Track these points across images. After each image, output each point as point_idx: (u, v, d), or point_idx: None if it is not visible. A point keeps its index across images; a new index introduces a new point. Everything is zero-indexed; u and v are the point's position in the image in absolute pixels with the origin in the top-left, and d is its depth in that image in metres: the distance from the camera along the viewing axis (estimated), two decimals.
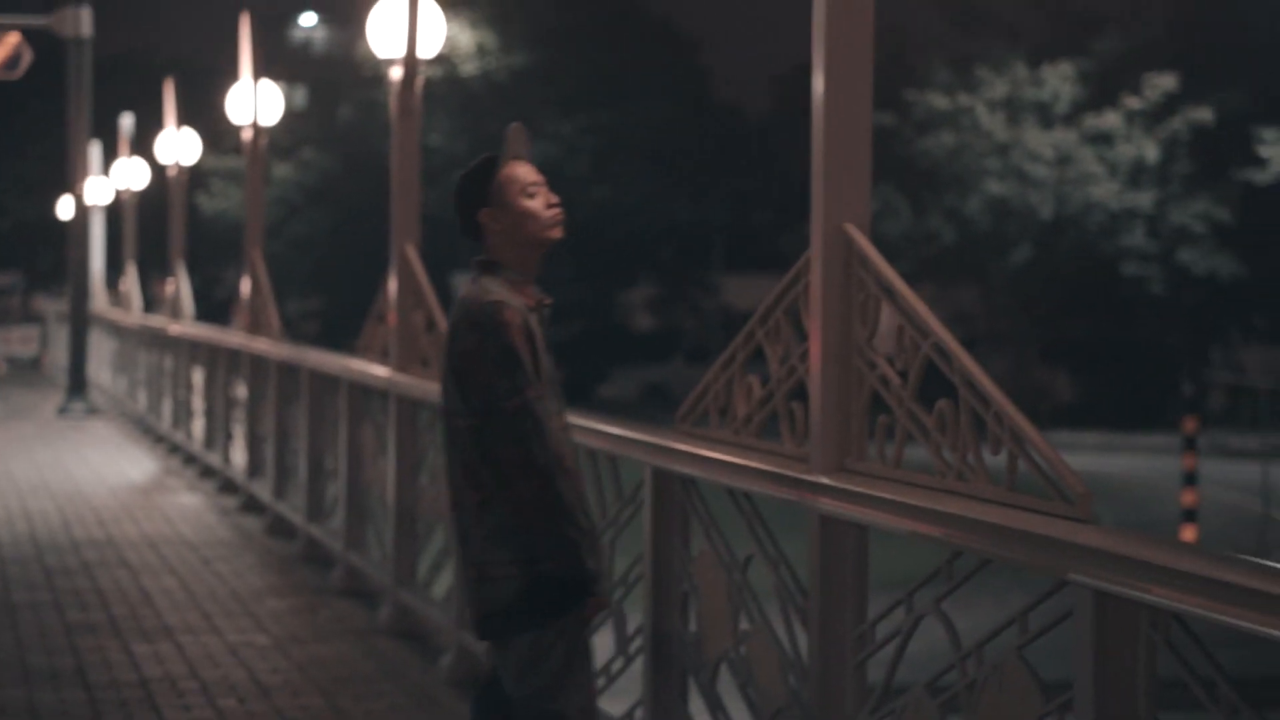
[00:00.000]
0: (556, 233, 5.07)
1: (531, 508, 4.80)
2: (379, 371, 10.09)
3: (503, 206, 5.01)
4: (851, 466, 5.09)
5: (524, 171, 5.06)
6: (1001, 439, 4.42)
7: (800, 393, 5.39)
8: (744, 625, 5.69)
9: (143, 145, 29.82)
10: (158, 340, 21.52)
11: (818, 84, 5.13)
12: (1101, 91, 47.84)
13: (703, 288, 60.28)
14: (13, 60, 26.77)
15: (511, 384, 4.82)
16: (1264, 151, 41.22)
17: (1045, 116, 47.79)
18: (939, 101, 48.04)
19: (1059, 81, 47.69)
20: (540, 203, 5.03)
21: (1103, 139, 47.17)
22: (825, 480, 5.08)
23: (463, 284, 5.11)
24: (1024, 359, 49.39)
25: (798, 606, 5.32)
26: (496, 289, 4.95)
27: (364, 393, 10.71)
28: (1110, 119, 46.97)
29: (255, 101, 15.85)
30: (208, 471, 17.10)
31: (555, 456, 4.82)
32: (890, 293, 4.97)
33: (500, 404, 4.81)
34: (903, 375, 4.92)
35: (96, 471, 17.89)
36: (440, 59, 50.13)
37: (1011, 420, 4.38)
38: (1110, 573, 3.81)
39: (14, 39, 26.90)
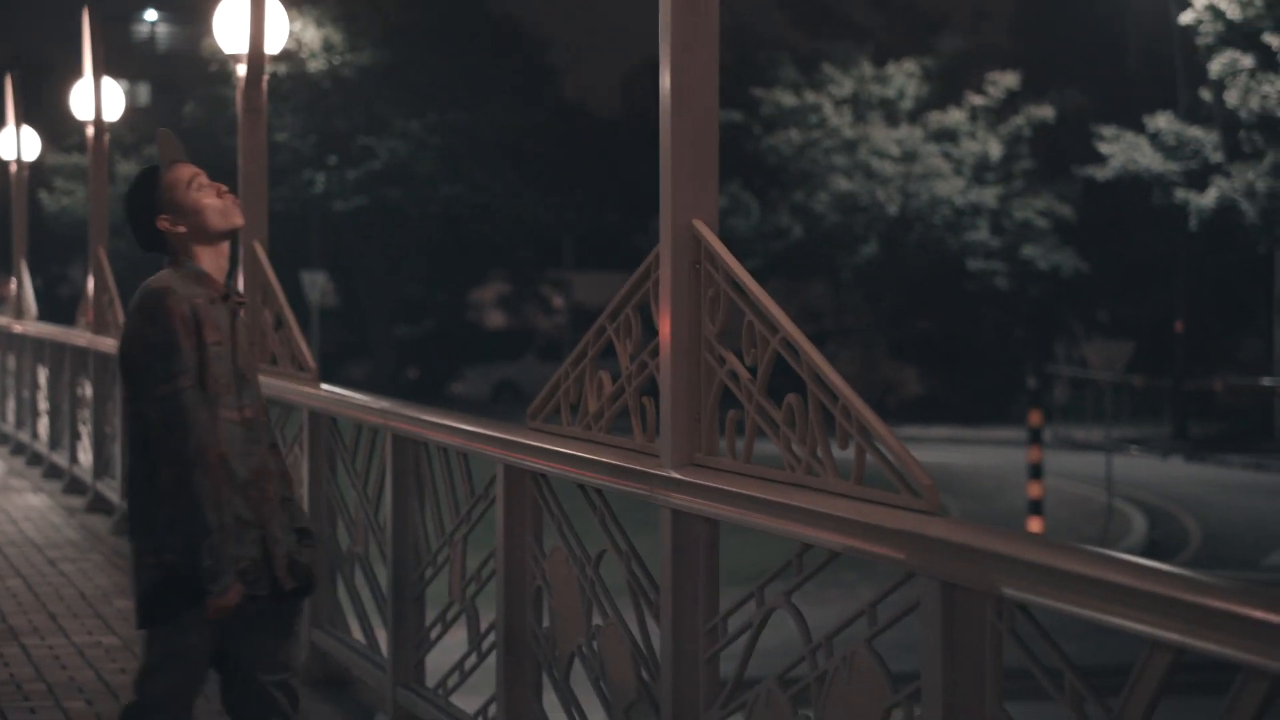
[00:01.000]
0: (238, 218, 5.19)
1: (169, 498, 4.87)
2: None
3: (177, 208, 5.12)
4: (702, 461, 5.13)
5: (184, 171, 5.17)
6: (849, 433, 4.47)
7: (651, 388, 5.42)
8: (596, 620, 5.71)
9: None
10: (1, 339, 21.20)
11: (664, 81, 5.16)
12: (946, 89, 48.42)
13: (554, 285, 60.36)
14: None
15: (166, 370, 4.88)
16: (1104, 148, 41.88)
17: (891, 113, 48.28)
18: (786, 99, 48.38)
19: (904, 79, 48.20)
20: (211, 194, 5.14)
21: (947, 136, 47.74)
22: (676, 475, 5.11)
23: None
24: (872, 354, 49.86)
25: (650, 601, 5.35)
26: (169, 278, 5.04)
27: None
28: (954, 116, 47.55)
29: (98, 98, 15.65)
30: (53, 471, 16.87)
31: (200, 448, 4.85)
32: (738, 288, 5.01)
33: (153, 390, 4.88)
34: (752, 370, 4.96)
35: None
36: (287, 55, 49.77)
37: (859, 414, 4.43)
38: (956, 564, 3.87)
39: None
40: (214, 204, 5.13)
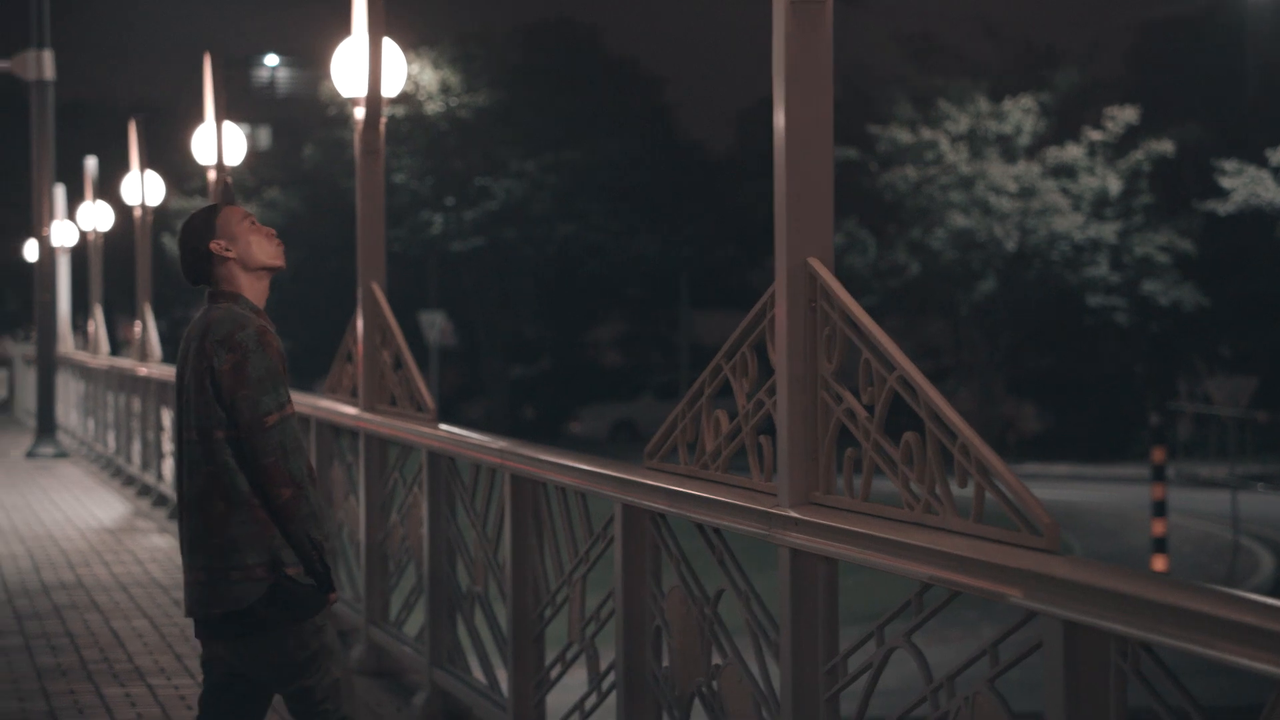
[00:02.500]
0: (281, 260, 5.63)
1: (284, 514, 5.31)
2: (347, 410, 10.09)
3: (230, 236, 5.55)
4: (820, 500, 5.11)
5: (240, 210, 5.63)
6: (968, 471, 4.44)
7: (768, 427, 5.41)
8: (716, 660, 5.70)
9: (107, 187, 29.78)
10: (126, 382, 21.47)
11: (778, 119, 5.16)
12: (1063, 124, 48.11)
13: (669, 324, 60.37)
14: None
15: (275, 400, 5.35)
16: (1225, 182, 41.44)
17: (1008, 149, 48.02)
18: (902, 135, 48.24)
19: (1021, 115, 47.93)
20: (261, 233, 5.59)
21: (1065, 171, 47.41)
22: (794, 514, 5.09)
23: (202, 313, 5.56)
24: (990, 391, 49.51)
25: (769, 640, 5.33)
26: (249, 314, 5.48)
27: (333, 431, 10.70)
28: (1072, 151, 47.22)
29: (220, 142, 15.85)
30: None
31: (309, 468, 5.40)
32: (854, 326, 4.99)
33: (263, 419, 5.31)
34: (869, 408, 4.94)
35: (66, 514, 17.83)
36: (405, 98, 50.22)
37: (978, 452, 4.40)
38: (1079, 603, 3.83)
39: None
40: (262, 240, 5.57)
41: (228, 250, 5.53)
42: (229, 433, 5.34)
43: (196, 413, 5.39)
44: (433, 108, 52.21)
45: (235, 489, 5.33)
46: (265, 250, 5.57)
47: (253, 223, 5.59)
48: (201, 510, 5.36)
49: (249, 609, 5.34)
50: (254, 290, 5.54)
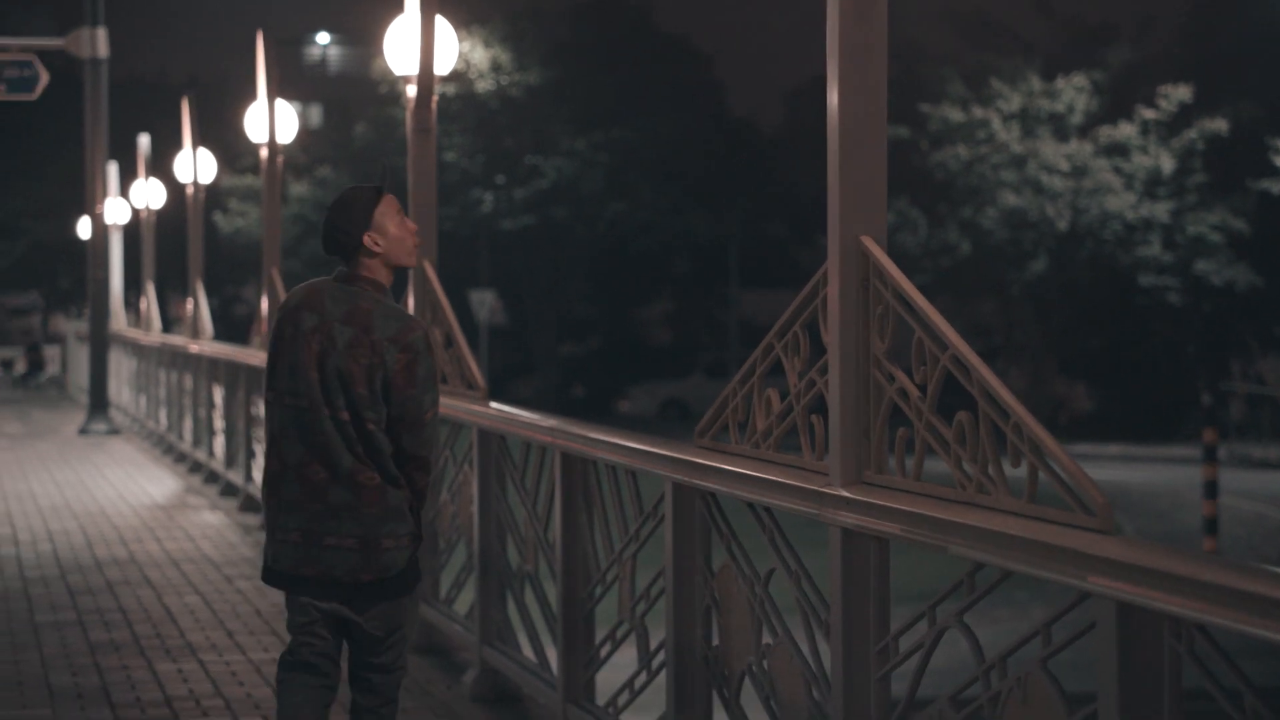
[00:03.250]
0: (414, 261, 5.88)
1: (421, 496, 5.77)
2: None
3: (384, 231, 5.72)
4: (871, 479, 5.10)
5: (396, 203, 5.81)
6: (1021, 451, 4.43)
7: (820, 406, 5.40)
8: (766, 639, 5.70)
9: (160, 165, 29.91)
10: (178, 359, 21.57)
11: (832, 98, 5.15)
12: (1115, 103, 47.81)
13: (719, 302, 60.30)
14: (28, 82, 26.86)
15: (433, 399, 5.73)
16: (1279, 161, 41.15)
17: (1060, 128, 47.77)
18: (954, 114, 48.04)
19: (1073, 93, 47.66)
20: (409, 232, 5.79)
21: (1118, 150, 47.14)
22: (845, 493, 5.08)
23: (343, 294, 5.70)
24: (1042, 371, 49.32)
25: (820, 620, 5.33)
26: (405, 311, 5.76)
27: None
28: (1125, 130, 46.94)
29: (271, 120, 15.89)
30: (229, 489, 17.13)
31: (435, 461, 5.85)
32: (907, 305, 4.98)
33: (423, 415, 5.68)
34: (921, 388, 4.92)
35: (118, 490, 17.93)
36: (456, 76, 50.24)
37: (1031, 432, 4.39)
38: (1132, 584, 3.81)
39: (28, 61, 26.98)
40: (406, 239, 5.75)
41: (377, 245, 5.69)
42: (383, 422, 5.65)
43: (356, 399, 5.61)
44: (483, 86, 52.22)
45: (389, 469, 5.66)
46: (408, 251, 5.78)
47: (403, 219, 5.76)
48: (354, 484, 5.63)
49: (399, 574, 5.71)
50: (388, 281, 5.77)
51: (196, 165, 22.41)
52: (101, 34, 26.58)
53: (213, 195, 46.22)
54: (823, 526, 5.21)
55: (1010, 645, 4.43)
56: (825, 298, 5.30)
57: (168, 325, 32.10)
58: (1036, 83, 47.96)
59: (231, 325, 50.97)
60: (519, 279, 55.85)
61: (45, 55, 27.08)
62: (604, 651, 7.17)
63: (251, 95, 16.76)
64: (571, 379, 57.23)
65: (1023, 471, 4.46)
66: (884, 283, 5.07)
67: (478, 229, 53.02)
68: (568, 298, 56.68)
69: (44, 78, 26.72)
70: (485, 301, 49.73)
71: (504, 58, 52.63)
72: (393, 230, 5.71)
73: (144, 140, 30.16)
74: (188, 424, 20.41)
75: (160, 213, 30.49)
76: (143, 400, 26.21)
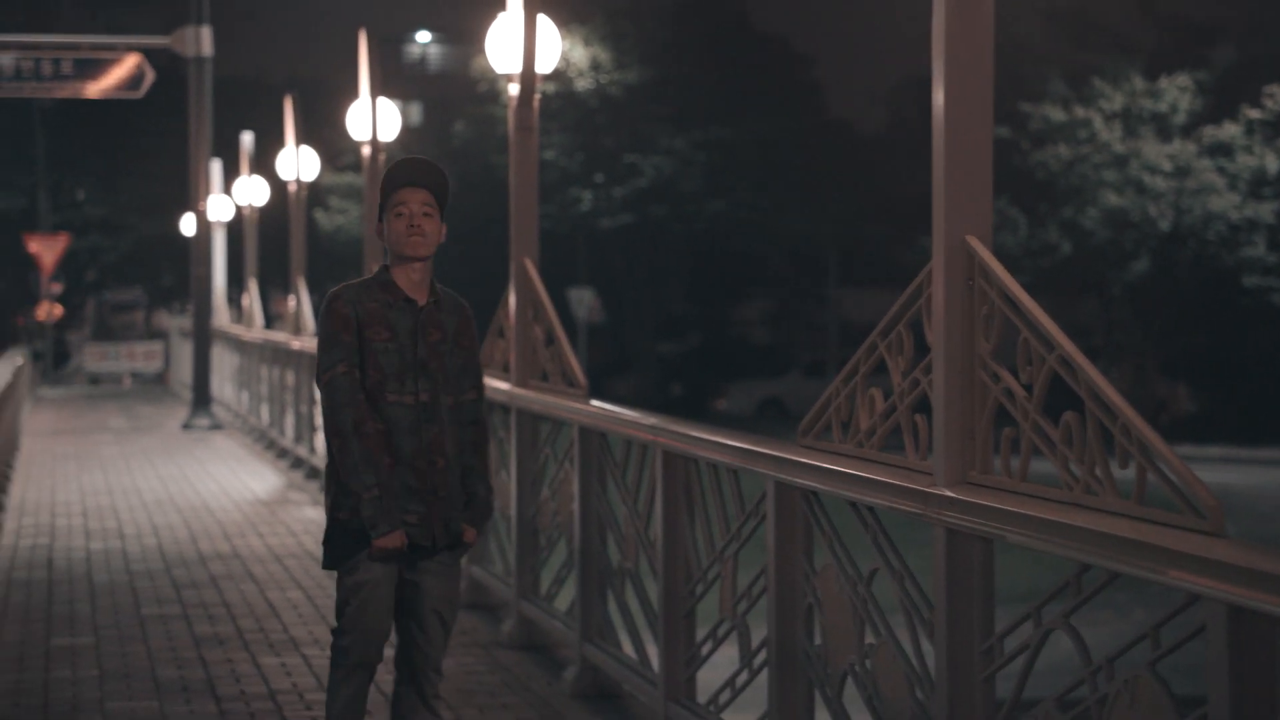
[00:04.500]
0: (408, 250, 5.95)
1: (336, 465, 5.81)
2: (500, 385, 10.15)
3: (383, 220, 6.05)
4: (976, 480, 5.08)
5: (401, 195, 6.00)
6: (1130, 452, 4.40)
7: (924, 405, 5.38)
8: (869, 638, 5.68)
9: (263, 162, 30.14)
10: (280, 355, 21.73)
11: (938, 97, 5.13)
12: (1220, 103, 47.32)
13: (818, 301, 60.15)
14: (134, 80, 27.14)
15: (324, 362, 5.87)
16: None
17: (1163, 128, 47.33)
18: (1055, 113, 47.70)
19: (1176, 93, 47.22)
20: (402, 224, 5.96)
21: (1222, 150, 46.66)
22: (950, 493, 5.07)
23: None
24: (1143, 372, 48.91)
25: (924, 620, 5.31)
26: (345, 285, 6.03)
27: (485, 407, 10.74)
28: (1229, 130, 46.46)
29: (374, 118, 15.98)
30: None
31: (355, 421, 5.80)
32: (1013, 305, 4.96)
33: (319, 378, 5.89)
34: (1027, 388, 4.90)
35: (221, 486, 18.09)
36: (556, 74, 50.35)
37: (1140, 433, 4.35)
38: (1245, 587, 3.78)
39: (135, 59, 27.27)
40: (396, 231, 5.92)
41: (382, 233, 6.09)
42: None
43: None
44: (583, 84, 52.33)
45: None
46: (396, 239, 6.02)
47: (399, 211, 5.98)
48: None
49: (323, 544, 6.06)
50: (399, 270, 5.99)
51: (299, 163, 22.57)
52: (206, 32, 26.83)
53: (314, 193, 46.57)
54: (923, 526, 5.19)
55: (1118, 647, 4.40)
56: (930, 297, 5.28)
57: (269, 321, 32.32)
58: (1139, 82, 47.54)
59: None
60: (617, 277, 55.92)
61: (151, 54, 27.37)
62: (705, 649, 7.17)
63: (353, 93, 16.85)
64: (669, 377, 57.22)
65: (1130, 473, 4.43)
66: (989, 282, 5.05)
67: (576, 227, 53.13)
68: (666, 296, 56.70)
69: (150, 76, 27.00)
70: (584, 300, 49.82)
71: (604, 56, 52.72)
72: (387, 220, 6.00)
73: (247, 138, 30.40)
74: (289, 420, 20.56)
75: (263, 210, 30.73)
76: (245, 396, 26.43)
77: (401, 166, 5.97)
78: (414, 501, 5.84)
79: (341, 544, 5.86)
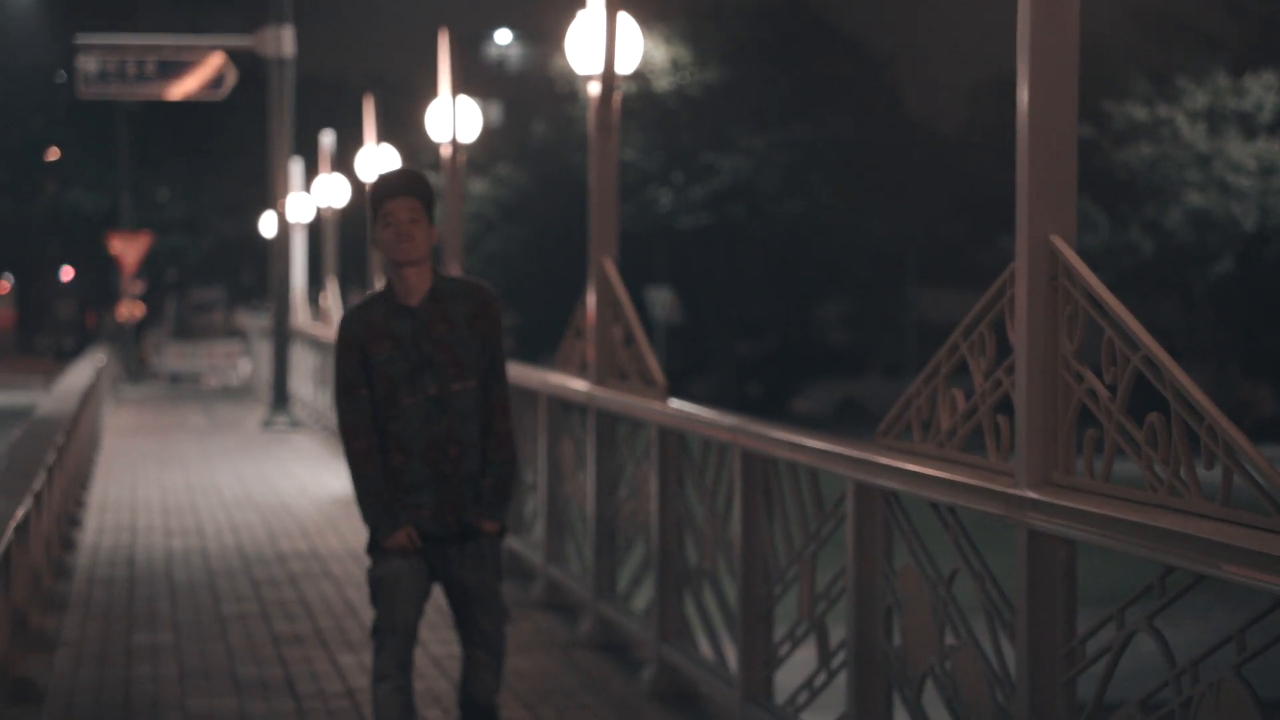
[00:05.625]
0: (396, 254, 6.14)
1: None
2: (578, 385, 10.14)
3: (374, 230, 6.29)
4: (1059, 481, 5.03)
5: (389, 205, 6.18)
6: (1215, 453, 4.34)
7: (1005, 406, 5.34)
8: (949, 640, 5.64)
9: (343, 162, 30.27)
10: None
11: (1023, 95, 5.09)
12: None
13: (896, 302, 59.94)
14: (217, 80, 27.31)
15: (337, 384, 6.24)
16: None
17: (1248, 126, 46.94)
18: (1138, 113, 47.39)
19: (1262, 91, 46.83)
20: (390, 232, 6.15)
21: None
22: (1032, 495, 5.02)
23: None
24: (1226, 373, 48.53)
25: (1005, 622, 5.26)
26: (353, 307, 6.32)
27: (563, 406, 10.76)
28: None
29: (454, 118, 16.00)
30: None
31: (347, 438, 6.18)
32: (1098, 304, 4.91)
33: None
34: (1111, 388, 4.85)
35: (300, 484, 18.18)
36: (635, 74, 50.38)
37: (1226, 434, 4.30)
38: None
39: (218, 60, 27.45)
40: (386, 239, 6.13)
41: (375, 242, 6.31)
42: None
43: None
44: (662, 84, 52.35)
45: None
46: (385, 246, 6.20)
47: (386, 221, 6.18)
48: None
49: None
50: (394, 275, 6.20)
51: (378, 162, 22.65)
52: (288, 33, 26.95)
53: None
54: (1003, 527, 5.14)
55: (1200, 650, 4.35)
56: (1012, 297, 5.23)
57: None
58: (1224, 80, 47.17)
59: None
60: (696, 277, 55.89)
61: (233, 54, 27.53)
62: (783, 650, 7.14)
63: (432, 93, 16.88)
64: (747, 378, 57.17)
65: (1216, 474, 4.37)
66: (1073, 282, 5.00)
67: (654, 227, 53.15)
68: (744, 296, 56.63)
69: (232, 77, 27.16)
70: (662, 300, 49.83)
71: (683, 56, 52.73)
72: (376, 230, 6.22)
73: (327, 138, 30.54)
74: None
75: (343, 209, 30.86)
76: (324, 395, 26.53)
77: (386, 179, 6.21)
78: (425, 493, 6.11)
79: (371, 541, 6.20)
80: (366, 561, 6.80)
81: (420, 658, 9.13)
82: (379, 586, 6.16)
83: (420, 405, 6.09)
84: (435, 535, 6.14)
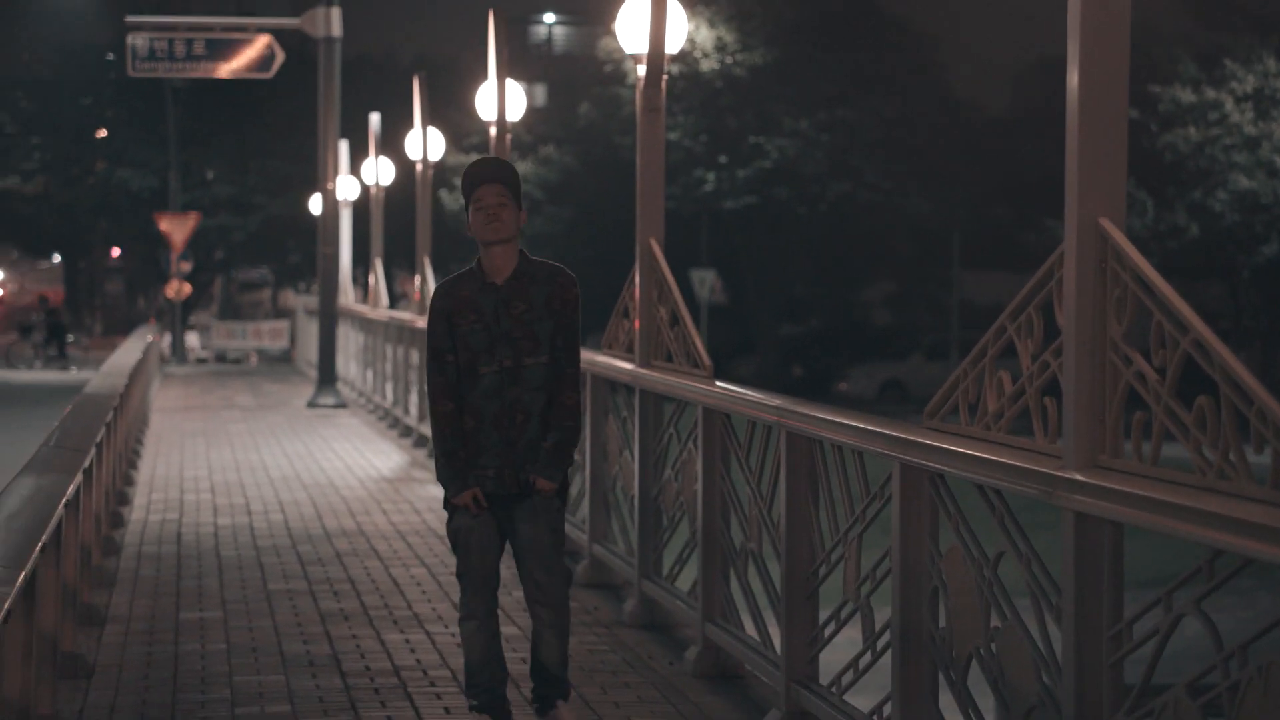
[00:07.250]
0: (485, 234, 6.90)
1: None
2: (624, 365, 10.16)
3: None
4: (1106, 464, 5.03)
5: (478, 191, 6.98)
6: (1265, 437, 4.34)
7: (1053, 388, 5.34)
8: (995, 622, 5.65)
9: (390, 142, 30.33)
10: (404, 334, 21.88)
11: (1072, 78, 5.08)
12: None
13: (941, 284, 59.80)
14: (265, 60, 27.38)
15: (426, 348, 7.04)
16: None
17: None
18: (1185, 95, 47.14)
19: None
20: (481, 216, 6.91)
21: None
22: (1079, 477, 5.02)
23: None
24: (1273, 356, 48.28)
25: (1051, 604, 5.27)
26: (447, 279, 7.07)
27: (609, 386, 10.79)
28: None
29: (501, 99, 16.00)
30: None
31: (431, 402, 7.00)
32: (1147, 287, 4.91)
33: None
34: (1160, 371, 4.85)
35: (346, 463, 18.25)
36: (680, 55, 50.33)
37: (1277, 417, 4.30)
38: None
39: (265, 39, 27.52)
40: (477, 222, 6.87)
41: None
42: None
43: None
44: (708, 65, 52.29)
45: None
46: (475, 228, 6.96)
47: (477, 206, 6.94)
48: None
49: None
50: (484, 255, 6.94)
51: (426, 143, 22.68)
52: (336, 13, 27.01)
53: (439, 173, 46.82)
54: (1048, 509, 5.15)
55: (1247, 634, 4.35)
56: (1061, 280, 5.23)
57: (394, 301, 32.54)
58: (1272, 63, 46.88)
59: None
60: (740, 258, 55.87)
61: (281, 35, 27.60)
62: (828, 631, 7.15)
63: (479, 74, 16.89)
64: (791, 359, 57.12)
65: (1265, 458, 4.37)
66: (1122, 265, 5.00)
67: (700, 208, 53.13)
68: (788, 278, 56.57)
69: (280, 57, 27.23)
70: (706, 281, 49.83)
71: (729, 37, 52.66)
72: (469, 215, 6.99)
73: (375, 118, 30.59)
74: (413, 398, 20.69)
75: (389, 190, 30.93)
76: (369, 375, 26.63)
77: (475, 167, 6.95)
78: (491, 457, 6.84)
79: (445, 498, 6.99)
80: (434, 524, 7.27)
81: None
82: (455, 538, 6.97)
83: (495, 375, 6.80)
84: (499, 495, 6.86)
